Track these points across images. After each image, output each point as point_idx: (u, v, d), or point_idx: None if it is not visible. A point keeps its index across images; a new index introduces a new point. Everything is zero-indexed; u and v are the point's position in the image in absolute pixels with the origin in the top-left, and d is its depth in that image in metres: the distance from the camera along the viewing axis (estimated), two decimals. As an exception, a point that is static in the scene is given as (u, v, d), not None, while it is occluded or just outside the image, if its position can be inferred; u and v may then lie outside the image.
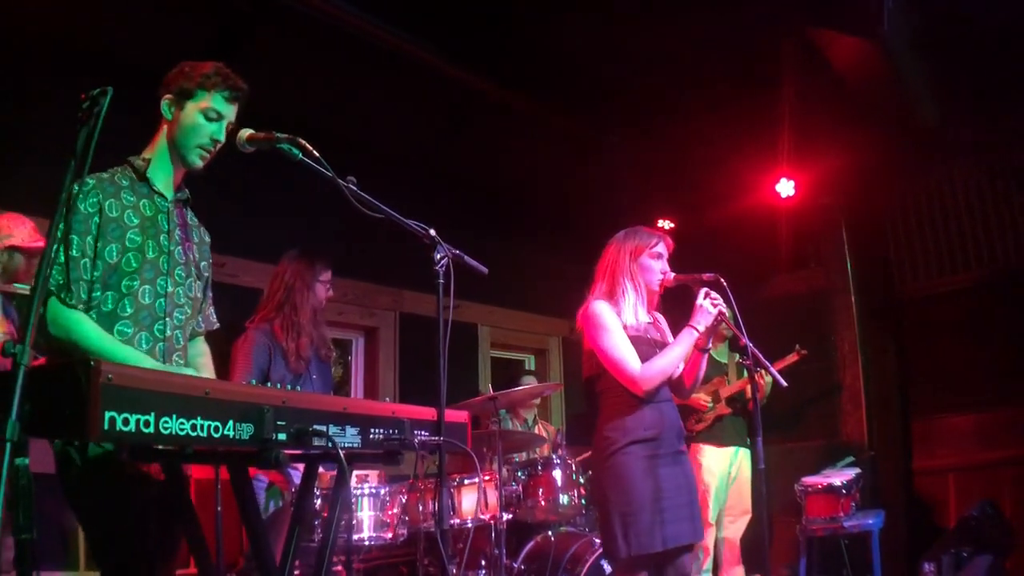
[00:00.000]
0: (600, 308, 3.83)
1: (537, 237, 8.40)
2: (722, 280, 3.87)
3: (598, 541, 4.99)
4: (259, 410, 1.83)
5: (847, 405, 7.76)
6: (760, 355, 3.92)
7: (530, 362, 8.98)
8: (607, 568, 4.88)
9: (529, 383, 6.70)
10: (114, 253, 2.49)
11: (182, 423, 1.67)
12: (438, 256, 2.79)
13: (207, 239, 2.95)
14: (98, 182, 2.54)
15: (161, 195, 2.67)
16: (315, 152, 2.41)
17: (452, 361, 7.56)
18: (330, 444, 1.92)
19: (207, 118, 2.63)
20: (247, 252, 5.93)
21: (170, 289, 2.63)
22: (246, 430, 1.79)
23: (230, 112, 2.68)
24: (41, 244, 4.05)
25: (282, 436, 1.86)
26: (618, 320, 3.80)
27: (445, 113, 6.80)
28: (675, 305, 4.29)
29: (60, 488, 2.37)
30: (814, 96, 6.78)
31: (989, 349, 7.06)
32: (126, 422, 1.58)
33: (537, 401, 6.83)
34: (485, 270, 2.98)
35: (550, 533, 5.30)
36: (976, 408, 7.12)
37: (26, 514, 1.59)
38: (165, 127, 2.68)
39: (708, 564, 6.24)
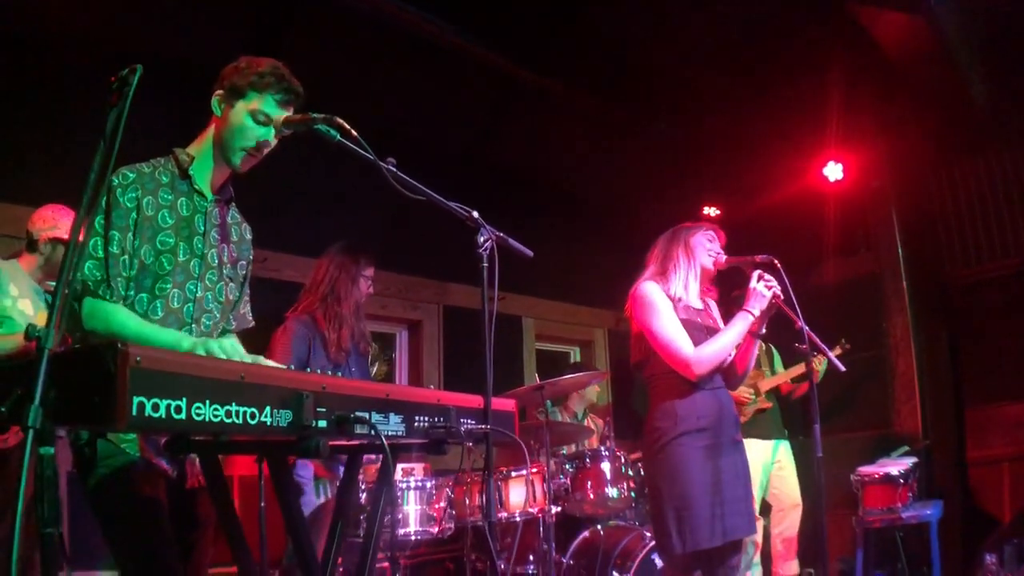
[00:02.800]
0: (649, 288, 3.71)
1: (581, 227, 8.28)
2: (776, 262, 3.78)
3: (649, 535, 4.88)
4: (298, 396, 1.73)
5: (900, 394, 7.53)
6: (816, 339, 3.82)
7: (575, 354, 8.88)
8: (659, 563, 4.76)
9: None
10: (149, 254, 2.42)
11: (216, 409, 1.57)
12: (482, 239, 2.69)
13: (248, 236, 2.85)
14: (138, 176, 2.45)
15: (201, 194, 2.59)
16: (354, 132, 2.30)
17: (497, 353, 7.48)
18: (372, 432, 1.82)
19: (255, 120, 2.52)
20: (289, 247, 5.90)
21: (199, 294, 2.55)
22: (284, 417, 1.70)
23: (282, 116, 2.54)
24: None
25: (322, 423, 1.77)
26: (668, 301, 3.68)
27: (487, 102, 6.73)
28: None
29: (83, 492, 2.32)
30: (862, 77, 6.63)
31: None
32: (156, 408, 1.49)
33: (587, 393, 6.68)
34: (530, 253, 2.87)
35: (599, 527, 5.19)
36: (1031, 397, 6.88)
37: (51, 507, 1.50)
38: (214, 124, 2.58)
39: (758, 557, 6.09)
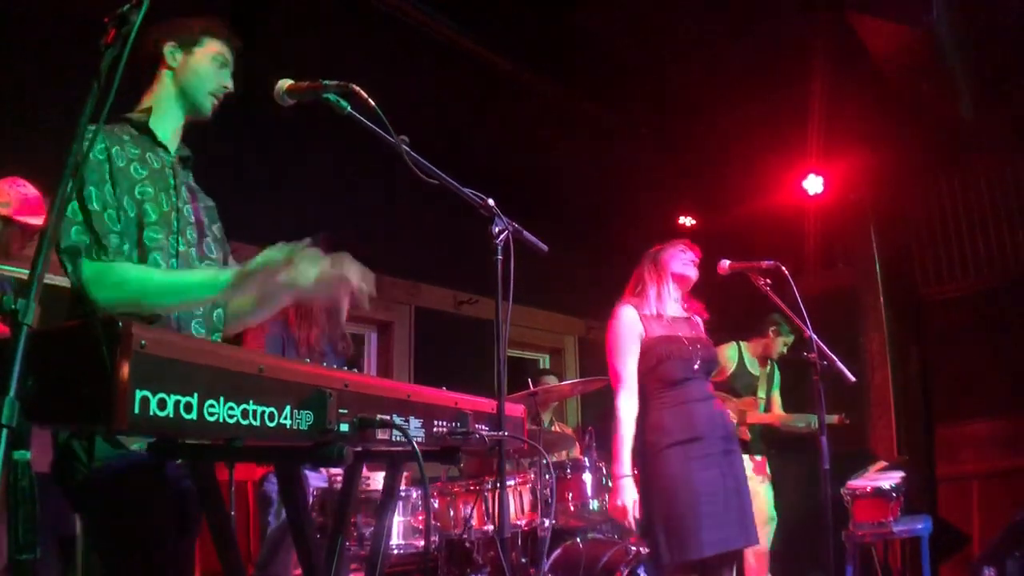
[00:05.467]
0: (620, 317, 3.75)
1: (556, 233, 8.02)
2: (783, 268, 3.72)
3: (634, 549, 4.68)
4: (321, 395, 1.48)
5: (875, 409, 7.47)
6: (825, 348, 3.77)
7: (544, 361, 8.69)
8: (644, 577, 4.56)
9: (551, 383, 6.41)
10: (131, 205, 2.18)
11: (231, 408, 1.31)
12: (496, 229, 2.46)
13: (211, 203, 2.64)
14: (99, 128, 2.20)
15: (164, 148, 2.40)
16: (371, 101, 2.04)
17: (467, 359, 7.29)
18: (403, 438, 1.57)
19: (218, 64, 2.45)
20: (258, 239, 5.61)
21: (182, 248, 2.32)
22: (305, 419, 1.45)
23: (232, 59, 2.49)
24: (38, 222, 3.71)
25: (344, 427, 1.52)
26: (636, 327, 3.70)
27: (470, 97, 6.52)
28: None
29: (63, 491, 1.99)
30: (847, 89, 6.57)
31: (1013, 354, 6.85)
32: (163, 405, 1.21)
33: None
34: (545, 248, 2.68)
35: (578, 540, 4.97)
36: (1000, 415, 6.91)
37: (27, 527, 1.21)
38: (168, 74, 2.41)
39: (732, 572, 5.94)
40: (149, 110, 2.39)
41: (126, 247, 2.13)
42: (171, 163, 2.39)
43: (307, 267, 2.05)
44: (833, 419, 6.10)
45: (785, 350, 6.38)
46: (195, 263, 2.35)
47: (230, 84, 2.47)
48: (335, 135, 5.99)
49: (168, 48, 2.40)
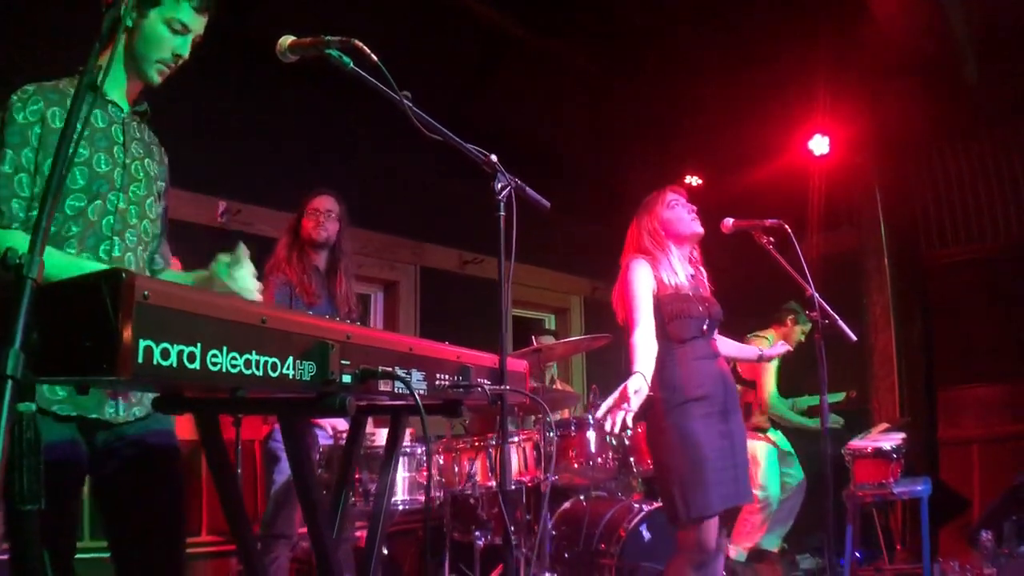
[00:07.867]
0: (634, 268, 3.65)
1: (561, 193, 7.99)
2: (786, 226, 3.70)
3: (637, 506, 4.73)
4: (323, 346, 1.50)
5: (879, 371, 7.48)
6: (827, 306, 3.77)
7: (550, 321, 8.70)
8: (647, 535, 4.61)
9: (548, 342, 6.43)
10: None
11: (234, 358, 1.33)
12: (499, 186, 2.45)
13: (166, 160, 2.61)
14: (38, 90, 2.21)
15: (116, 105, 2.37)
16: (374, 57, 2.02)
17: (473, 318, 7.32)
18: (406, 389, 1.59)
19: (172, 30, 2.32)
20: (262, 200, 5.67)
21: (122, 206, 2.31)
22: (307, 369, 1.47)
23: (198, 25, 2.35)
24: None
25: (347, 378, 1.54)
26: (650, 281, 3.62)
27: (474, 56, 6.47)
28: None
29: None
30: (853, 50, 6.51)
31: (1016, 319, 6.89)
32: (166, 354, 1.23)
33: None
34: (547, 204, 2.67)
35: (581, 498, 5.02)
36: (1002, 379, 6.95)
37: (32, 477, 1.23)
38: (124, 34, 2.33)
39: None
40: (102, 68, 2.24)
41: (34, 213, 2.10)
42: (122, 119, 2.37)
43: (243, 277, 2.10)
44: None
45: (803, 338, 6.37)
46: (132, 220, 2.34)
47: (185, 53, 2.37)
48: (339, 94, 5.97)
49: (124, 6, 2.22)
